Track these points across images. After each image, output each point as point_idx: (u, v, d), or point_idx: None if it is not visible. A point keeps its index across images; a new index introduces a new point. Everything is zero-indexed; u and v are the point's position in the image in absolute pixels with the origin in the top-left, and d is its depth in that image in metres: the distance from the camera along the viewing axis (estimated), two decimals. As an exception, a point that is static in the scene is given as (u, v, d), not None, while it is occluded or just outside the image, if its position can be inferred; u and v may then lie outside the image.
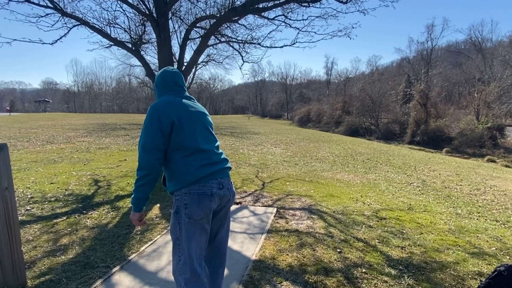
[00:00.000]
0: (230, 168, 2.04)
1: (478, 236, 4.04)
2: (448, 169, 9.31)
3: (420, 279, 2.89)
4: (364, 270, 2.98)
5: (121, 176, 6.70)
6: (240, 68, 11.47)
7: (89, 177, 6.55)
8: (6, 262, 2.41)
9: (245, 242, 3.48)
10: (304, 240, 3.58)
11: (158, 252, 3.22)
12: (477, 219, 4.81)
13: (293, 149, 12.44)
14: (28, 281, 2.64)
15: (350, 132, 32.07)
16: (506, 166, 16.54)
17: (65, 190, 5.54)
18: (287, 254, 3.21)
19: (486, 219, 4.79)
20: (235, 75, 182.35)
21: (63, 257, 3.12)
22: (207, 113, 2.09)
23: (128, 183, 6.12)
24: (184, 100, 1.97)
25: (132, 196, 1.87)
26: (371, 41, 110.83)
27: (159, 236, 3.63)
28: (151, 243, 3.42)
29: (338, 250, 3.38)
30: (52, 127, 17.87)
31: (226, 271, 2.85)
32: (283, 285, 2.67)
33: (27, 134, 13.86)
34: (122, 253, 3.21)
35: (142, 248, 3.29)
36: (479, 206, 5.51)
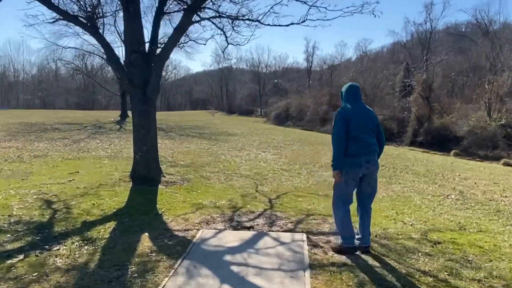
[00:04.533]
0: (376, 150, 4.06)
1: (558, 262, 4.08)
2: (481, 176, 9.62)
3: (518, 322, 2.82)
4: (450, 314, 2.87)
5: (80, 194, 6.21)
6: (223, 52, 11.09)
7: (35, 197, 6.01)
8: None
9: (285, 283, 3.25)
10: (362, 278, 3.41)
11: (175, 302, 2.91)
12: (545, 239, 4.89)
13: (287, 154, 12.34)
14: None
15: (340, 131, 32.47)
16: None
17: (9, 216, 5.01)
18: (350, 298, 3.03)
19: (556, 240, 4.88)
20: (197, 60, 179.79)
21: (40, 317, 2.73)
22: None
23: (94, 204, 5.67)
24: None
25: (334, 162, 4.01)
26: (358, 23, 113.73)
27: (167, 278, 3.30)
28: (161, 290, 3.10)
29: (409, 289, 3.25)
30: (-41, 128, 16.57)
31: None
32: None
33: None
34: (126, 307, 2.87)
35: (152, 299, 2.97)
36: (541, 223, 5.65)
